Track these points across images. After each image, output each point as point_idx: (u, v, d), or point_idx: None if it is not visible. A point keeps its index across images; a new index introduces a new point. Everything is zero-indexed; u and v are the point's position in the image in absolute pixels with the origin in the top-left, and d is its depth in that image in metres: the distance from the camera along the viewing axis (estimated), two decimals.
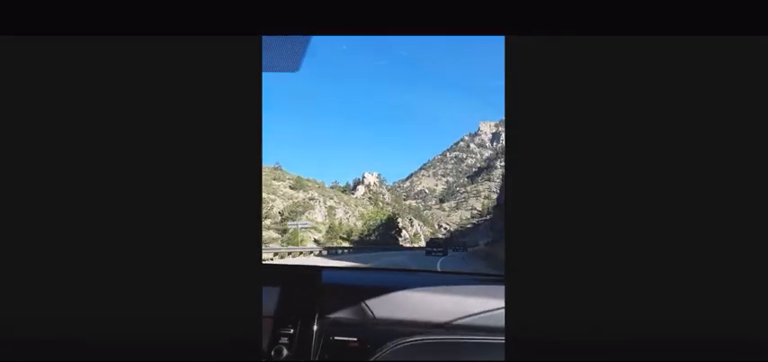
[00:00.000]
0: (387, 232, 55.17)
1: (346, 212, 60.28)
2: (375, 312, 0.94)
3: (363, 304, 0.95)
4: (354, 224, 58.44)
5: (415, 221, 66.41)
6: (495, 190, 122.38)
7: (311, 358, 0.88)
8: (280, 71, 0.79)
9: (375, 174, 59.42)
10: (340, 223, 55.26)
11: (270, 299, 0.93)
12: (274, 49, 0.71)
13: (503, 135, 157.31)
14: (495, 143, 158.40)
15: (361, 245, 44.61)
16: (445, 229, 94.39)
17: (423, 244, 50.70)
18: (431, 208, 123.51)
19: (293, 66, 0.79)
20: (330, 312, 0.93)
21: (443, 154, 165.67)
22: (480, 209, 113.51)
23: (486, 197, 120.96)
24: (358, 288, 1.02)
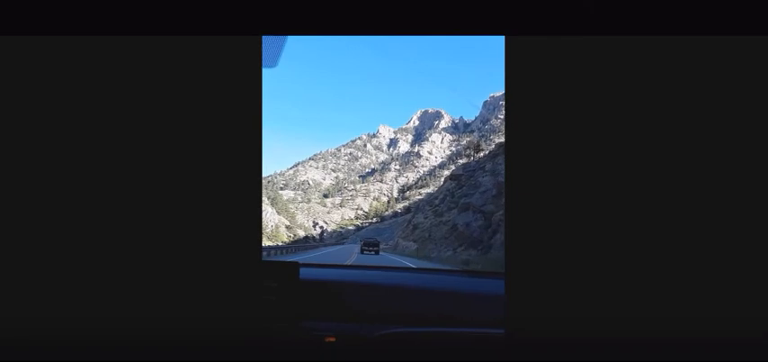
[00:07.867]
0: None
1: None
2: (353, 308, 0.96)
3: (342, 300, 0.97)
4: None
5: (270, 210, 50.15)
6: (386, 193, 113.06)
7: (287, 355, 0.87)
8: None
9: None
10: None
11: None
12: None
13: (400, 142, 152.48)
14: (391, 149, 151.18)
15: None
16: (320, 227, 79.60)
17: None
18: (310, 201, 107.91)
19: (271, 62, 0.83)
20: (307, 308, 0.93)
21: (338, 149, 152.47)
22: (367, 210, 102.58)
23: (375, 198, 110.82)
24: (336, 284, 1.03)
